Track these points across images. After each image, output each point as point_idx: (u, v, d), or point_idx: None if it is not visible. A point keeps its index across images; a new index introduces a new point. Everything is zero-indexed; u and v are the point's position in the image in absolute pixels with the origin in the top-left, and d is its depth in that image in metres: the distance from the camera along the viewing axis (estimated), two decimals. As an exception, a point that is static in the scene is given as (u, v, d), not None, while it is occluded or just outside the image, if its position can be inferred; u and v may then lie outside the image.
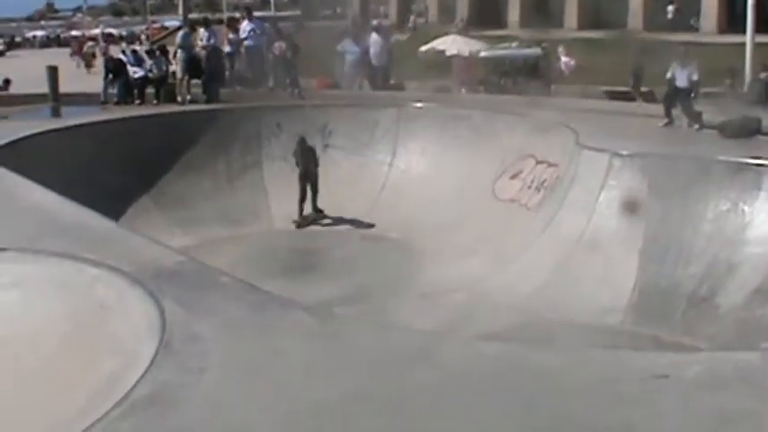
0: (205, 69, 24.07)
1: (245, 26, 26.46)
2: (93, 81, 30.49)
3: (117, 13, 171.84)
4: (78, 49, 60.10)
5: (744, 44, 22.66)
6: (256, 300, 7.87)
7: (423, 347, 7.07)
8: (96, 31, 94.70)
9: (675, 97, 18.22)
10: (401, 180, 19.91)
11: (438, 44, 36.13)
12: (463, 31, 39.36)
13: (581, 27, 47.88)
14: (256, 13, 32.03)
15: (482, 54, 32.18)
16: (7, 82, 29.13)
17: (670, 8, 45.18)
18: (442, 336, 8.07)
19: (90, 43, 66.53)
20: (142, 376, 6.24)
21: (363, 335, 7.38)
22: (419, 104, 21.41)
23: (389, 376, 6.41)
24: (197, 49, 24.77)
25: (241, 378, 6.36)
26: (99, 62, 53.86)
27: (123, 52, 27.04)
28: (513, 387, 6.18)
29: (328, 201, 19.46)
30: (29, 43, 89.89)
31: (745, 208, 13.79)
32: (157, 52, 25.73)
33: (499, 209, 17.52)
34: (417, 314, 12.31)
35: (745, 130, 16.63)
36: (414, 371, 6.47)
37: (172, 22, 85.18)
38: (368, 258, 16.89)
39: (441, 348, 7.09)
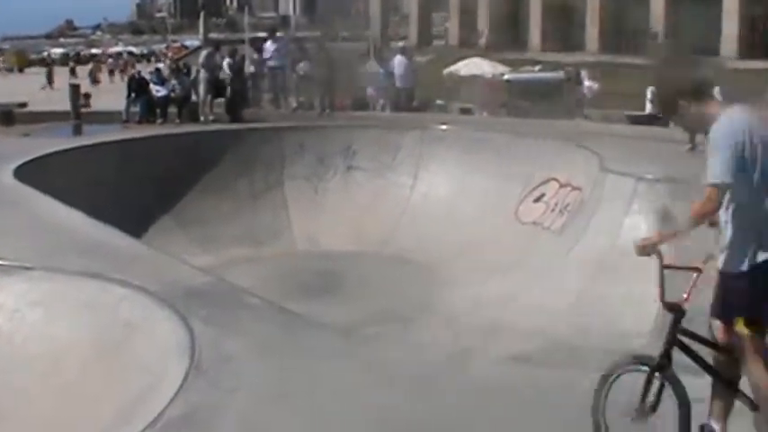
0: (228, 89, 24.05)
1: (268, 46, 26.49)
2: (101, 98, 30.86)
3: (136, 31, 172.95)
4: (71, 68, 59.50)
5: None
6: (286, 320, 7.81)
7: (453, 367, 7.02)
8: (116, 49, 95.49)
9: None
10: (423, 203, 19.75)
11: (461, 66, 36.15)
12: (485, 52, 39.45)
13: (602, 50, 48.14)
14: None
15: (505, 77, 32.18)
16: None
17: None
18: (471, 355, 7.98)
19: (110, 61, 67.21)
20: (174, 396, 6.17)
21: (393, 355, 7.32)
22: (443, 126, 21.31)
23: (423, 396, 6.34)
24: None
25: (274, 399, 6.30)
26: (107, 79, 54.42)
27: (138, 72, 27.28)
28: (553, 406, 6.14)
29: (350, 223, 19.35)
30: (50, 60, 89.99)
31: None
32: (185, 69, 25.82)
33: (522, 232, 17.37)
34: (442, 336, 12.20)
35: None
36: (446, 390, 6.41)
37: (192, 41, 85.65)
38: (390, 281, 16.73)
39: (472, 367, 7.03)
